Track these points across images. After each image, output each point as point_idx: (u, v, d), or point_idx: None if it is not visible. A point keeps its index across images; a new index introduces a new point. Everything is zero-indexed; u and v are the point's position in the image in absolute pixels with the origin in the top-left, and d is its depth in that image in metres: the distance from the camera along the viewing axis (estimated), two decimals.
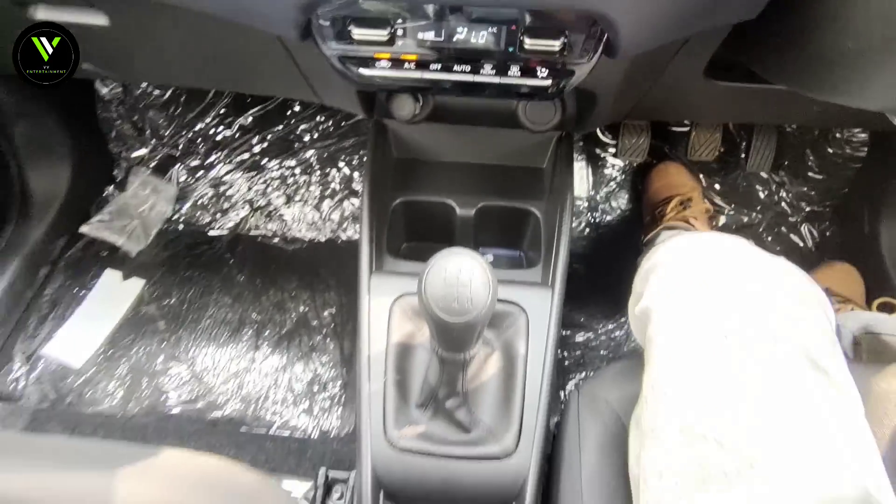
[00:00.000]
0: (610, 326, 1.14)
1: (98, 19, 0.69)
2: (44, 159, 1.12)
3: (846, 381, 0.46)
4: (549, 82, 0.55)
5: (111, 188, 1.25)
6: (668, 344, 0.49)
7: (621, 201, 1.30)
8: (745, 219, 1.27)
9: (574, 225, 1.27)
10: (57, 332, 1.09)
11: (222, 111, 1.27)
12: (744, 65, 0.66)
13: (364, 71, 0.57)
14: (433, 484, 0.59)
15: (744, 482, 0.41)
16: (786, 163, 1.26)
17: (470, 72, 0.56)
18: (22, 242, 1.10)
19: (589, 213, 1.28)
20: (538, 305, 0.66)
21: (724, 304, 0.48)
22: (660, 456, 0.45)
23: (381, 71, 0.56)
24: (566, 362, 1.12)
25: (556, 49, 0.52)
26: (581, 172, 1.29)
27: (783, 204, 1.27)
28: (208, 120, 1.27)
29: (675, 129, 1.27)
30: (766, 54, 0.59)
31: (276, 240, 1.24)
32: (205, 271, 1.18)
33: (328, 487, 0.77)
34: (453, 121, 0.81)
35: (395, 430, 0.61)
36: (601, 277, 1.20)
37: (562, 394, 1.05)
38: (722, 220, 1.27)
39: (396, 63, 0.55)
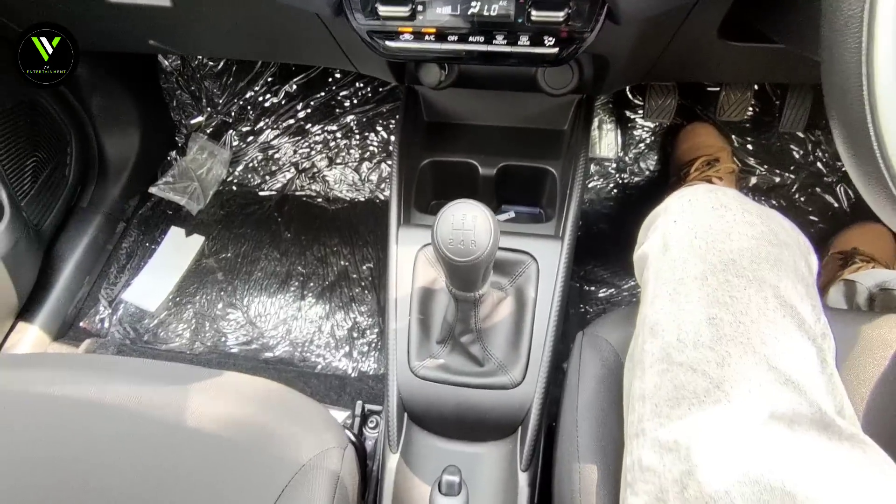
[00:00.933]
0: (632, 283, 1.19)
1: (162, 1, 0.78)
2: (116, 127, 1.25)
3: (816, 324, 0.50)
4: (556, 50, 0.60)
5: (173, 153, 1.38)
6: (657, 286, 0.55)
7: (650, 162, 1.32)
8: (778, 179, 1.27)
9: (601, 185, 1.31)
10: (133, 281, 1.25)
11: (269, 80, 1.37)
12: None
13: (390, 43, 0.63)
14: (449, 408, 0.68)
15: (711, 400, 0.47)
16: (823, 122, 1.24)
17: (484, 42, 0.61)
18: (102, 201, 1.24)
19: (617, 175, 1.32)
20: (548, 255, 0.73)
21: (709, 250, 0.53)
22: (644, 382, 0.52)
23: (405, 43, 0.63)
24: (588, 315, 1.18)
25: (561, 19, 0.57)
26: (610, 134, 1.32)
27: (818, 164, 1.26)
28: (257, 88, 1.37)
29: (706, 88, 1.27)
30: (770, 14, 0.62)
31: (319, 200, 1.34)
32: (256, 228, 1.30)
33: (364, 417, 0.88)
34: (477, 86, 0.87)
35: (418, 361, 0.70)
36: (626, 237, 1.24)
37: None
38: (753, 180, 1.27)
39: (418, 36, 0.62)
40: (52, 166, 1.12)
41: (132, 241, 1.29)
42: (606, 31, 0.60)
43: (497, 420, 0.68)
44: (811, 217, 1.24)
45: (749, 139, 1.28)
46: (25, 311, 1.08)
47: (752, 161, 1.27)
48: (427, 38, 0.62)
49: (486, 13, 0.59)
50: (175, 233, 1.30)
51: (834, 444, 0.44)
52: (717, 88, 1.22)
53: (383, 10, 0.59)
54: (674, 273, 0.53)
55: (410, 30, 0.61)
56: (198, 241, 1.29)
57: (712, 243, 0.52)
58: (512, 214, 0.96)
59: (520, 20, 0.58)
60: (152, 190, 1.32)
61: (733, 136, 1.27)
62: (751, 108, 1.26)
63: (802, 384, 0.46)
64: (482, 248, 0.50)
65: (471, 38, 0.61)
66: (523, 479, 0.66)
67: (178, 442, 0.59)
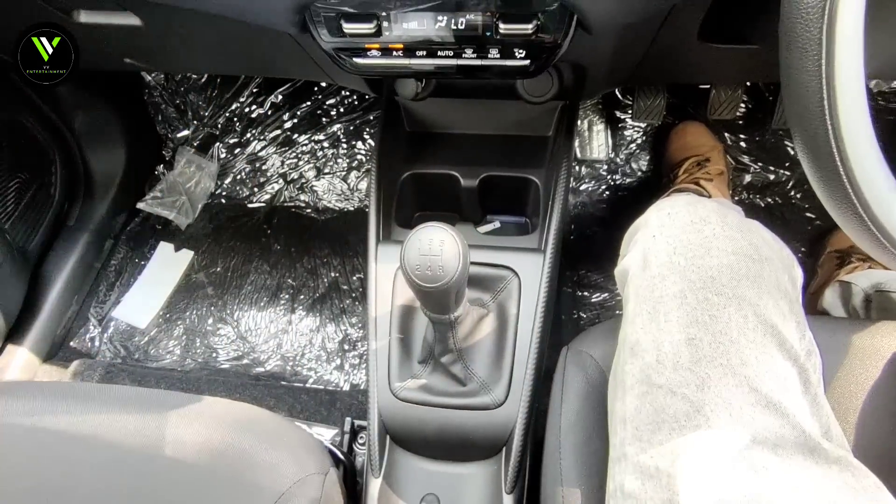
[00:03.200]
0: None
1: (132, 20, 0.77)
2: (101, 144, 1.24)
3: (800, 341, 0.49)
4: (527, 62, 0.59)
5: (161, 167, 1.37)
6: (637, 304, 0.53)
7: (642, 163, 1.30)
8: (773, 176, 1.24)
9: (593, 188, 1.29)
10: (123, 298, 1.24)
11: (255, 90, 1.36)
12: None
13: (358, 60, 0.62)
14: (432, 430, 0.67)
15: (691, 424, 0.45)
16: None
17: (453, 56, 0.60)
18: (89, 219, 1.24)
19: (609, 176, 1.30)
20: (530, 269, 0.71)
21: (689, 267, 0.51)
22: (625, 404, 0.51)
23: (373, 60, 0.61)
24: (581, 322, 1.17)
25: (530, 31, 0.55)
26: (600, 135, 1.30)
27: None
28: (242, 99, 1.36)
29: (697, 86, 1.25)
30: (747, 17, 0.60)
31: (308, 210, 1.33)
32: (245, 241, 1.29)
33: (354, 433, 0.87)
34: (456, 96, 0.85)
35: (399, 382, 0.68)
36: (620, 240, 1.22)
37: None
38: (747, 178, 1.25)
39: (386, 52, 0.60)
40: (37, 186, 1.12)
41: (121, 258, 1.28)
42: (580, 40, 0.58)
43: (481, 441, 0.67)
44: (808, 214, 1.22)
45: (742, 136, 1.25)
46: (14, 333, 1.08)
47: (745, 159, 1.25)
48: (395, 53, 0.60)
49: (453, 27, 0.57)
50: (164, 248, 1.29)
51: (821, 468, 0.42)
52: (708, 87, 1.20)
53: (348, 27, 0.58)
54: (653, 291, 0.52)
55: (377, 46, 0.60)
56: (187, 255, 1.28)
57: (692, 259, 0.51)
58: (497, 225, 0.94)
59: (488, 34, 0.57)
60: (140, 205, 1.31)
61: (726, 134, 1.25)
62: (742, 105, 1.24)
63: (785, 407, 0.45)
64: (450, 274, 0.49)
65: (440, 53, 0.60)
66: (508, 500, 0.65)
67: (156, 471, 0.59)
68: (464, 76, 0.63)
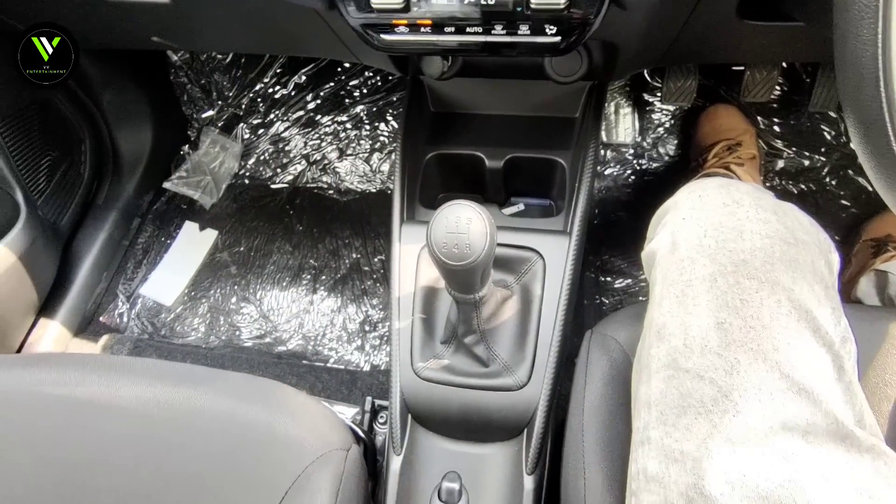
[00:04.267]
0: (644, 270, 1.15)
1: None
2: (129, 124, 1.26)
3: (834, 328, 0.47)
4: (558, 39, 0.57)
5: (186, 147, 1.39)
6: (664, 287, 0.52)
7: (669, 147, 1.27)
8: (807, 162, 1.21)
9: (619, 172, 1.26)
10: (150, 275, 1.26)
11: (278, 71, 1.36)
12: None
13: (385, 36, 0.61)
14: (453, 410, 0.67)
15: (718, 409, 0.44)
16: None
17: (482, 32, 0.58)
18: (117, 198, 1.26)
19: (635, 161, 1.27)
20: (556, 251, 0.70)
21: (719, 250, 0.50)
22: (650, 388, 0.50)
23: (401, 36, 0.60)
24: (603, 307, 1.16)
25: (562, 5, 0.54)
26: (627, 119, 1.27)
27: (851, 145, 1.19)
28: (266, 80, 1.36)
29: (730, 68, 1.21)
30: None
31: (330, 191, 1.34)
32: (268, 221, 1.30)
33: (374, 412, 0.88)
34: (483, 75, 0.84)
35: (421, 362, 0.69)
36: (644, 226, 1.20)
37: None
38: (780, 163, 1.21)
39: (413, 28, 0.59)
40: (67, 164, 1.14)
41: (148, 237, 1.31)
42: (613, 16, 0.57)
43: (502, 422, 0.67)
44: (843, 202, 1.18)
45: (776, 120, 1.21)
46: (46, 307, 1.11)
47: (779, 143, 1.21)
48: (423, 30, 0.59)
49: (483, 1, 0.56)
50: (189, 227, 1.31)
51: (853, 455, 0.41)
52: (742, 68, 1.16)
53: (376, 2, 0.57)
54: (682, 274, 0.51)
55: (405, 22, 0.59)
56: (211, 235, 1.30)
57: (723, 242, 0.49)
58: (521, 207, 0.93)
59: (519, 8, 0.55)
60: (166, 185, 1.33)
61: (759, 118, 1.21)
62: (778, 88, 1.19)
63: (818, 393, 0.44)
64: (477, 253, 0.48)
65: (468, 29, 0.58)
66: (529, 481, 0.65)
67: (184, 442, 0.60)
68: (492, 53, 0.61)
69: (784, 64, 1.18)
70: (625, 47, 0.70)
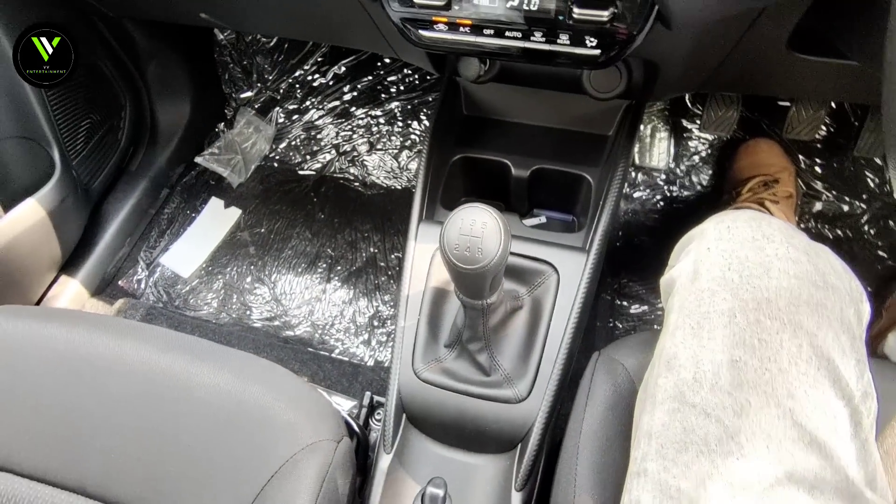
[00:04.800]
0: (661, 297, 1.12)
1: None
2: (169, 96, 1.28)
3: (857, 382, 0.45)
4: (597, 52, 0.56)
5: (221, 125, 1.41)
6: (680, 317, 0.50)
7: (703, 177, 1.24)
8: (846, 207, 1.16)
9: (648, 196, 1.24)
10: (172, 246, 1.29)
11: (319, 59, 1.37)
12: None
13: (424, 33, 0.61)
14: (449, 415, 0.66)
15: (722, 450, 0.43)
16: None
17: (521, 38, 0.58)
18: (149, 166, 1.29)
19: (666, 187, 1.24)
20: (571, 268, 0.69)
21: (742, 285, 0.48)
22: (653, 418, 0.48)
23: (439, 34, 0.60)
24: (616, 332, 1.13)
25: (605, 19, 0.53)
26: (662, 143, 1.25)
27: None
28: (307, 67, 1.38)
29: (776, 102, 1.18)
30: (845, 28, 0.55)
31: (356, 184, 1.34)
32: (291, 206, 1.31)
33: (372, 408, 0.88)
34: (519, 83, 0.83)
35: (422, 363, 0.68)
36: (668, 253, 1.17)
37: None
38: (818, 206, 1.17)
39: (453, 27, 0.59)
40: (106, 129, 1.17)
41: (174, 208, 1.33)
42: (657, 34, 0.55)
43: (497, 434, 0.66)
44: (880, 252, 1.13)
45: (818, 161, 1.18)
46: (69, 265, 1.14)
47: (818, 185, 1.17)
48: (462, 29, 0.59)
49: (525, 7, 0.55)
50: (214, 203, 1.33)
51: None
52: (788, 103, 1.13)
53: None
54: (700, 305, 0.49)
55: (445, 20, 0.59)
56: (235, 213, 1.31)
57: (747, 278, 0.47)
58: (543, 220, 0.92)
59: (560, 17, 0.54)
60: (198, 160, 1.35)
61: (801, 156, 1.17)
62: (823, 127, 1.16)
63: (830, 447, 0.41)
64: (489, 257, 0.47)
65: (508, 34, 0.58)
66: (517, 498, 0.63)
67: (182, 410, 0.60)
68: (530, 60, 0.61)
69: (832, 103, 1.14)
70: (666, 68, 0.68)
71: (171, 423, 0.60)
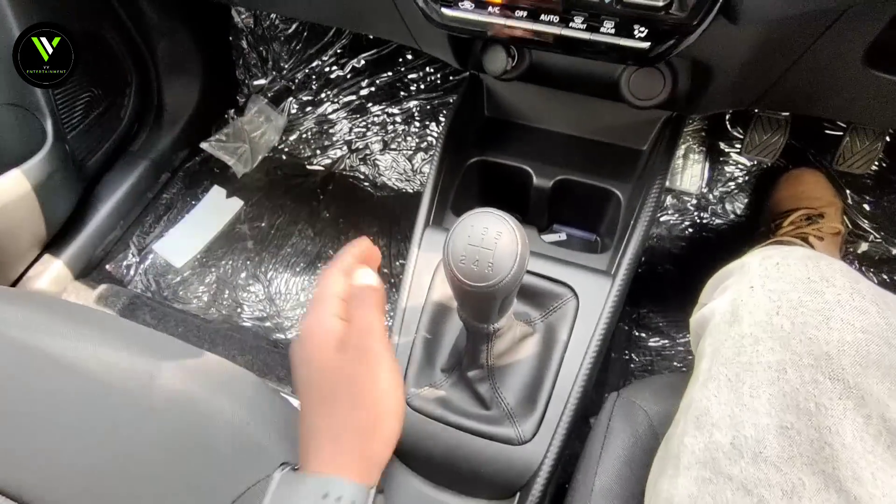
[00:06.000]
0: (690, 338, 1.03)
1: None
2: (179, 77, 1.23)
3: None
4: (646, 45, 0.48)
5: (231, 111, 1.35)
6: (714, 365, 0.42)
7: (738, 205, 1.14)
8: (895, 251, 1.06)
9: (675, 221, 1.15)
10: (167, 233, 1.22)
11: (338, 51, 1.31)
12: None
13: (447, 11, 0.53)
14: (440, 451, 0.57)
15: None
16: None
17: (559, 22, 0.50)
18: (151, 148, 1.22)
19: (696, 213, 1.15)
20: (594, 294, 0.60)
21: (795, 335, 0.39)
22: (675, 486, 0.40)
23: (464, 13, 0.53)
24: (631, 364, 1.04)
25: (661, 5, 0.45)
26: (696, 166, 1.16)
27: None
28: (325, 58, 1.32)
29: (825, 130, 1.08)
30: None
31: (365, 183, 1.27)
32: (296, 202, 1.24)
33: None
34: (549, 84, 0.75)
35: (414, 388, 0.59)
36: (693, 285, 1.08)
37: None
38: (863, 247, 1.07)
39: (480, 5, 0.51)
40: (107, 105, 1.11)
41: (173, 193, 1.27)
42: (717, 30, 0.47)
43: (494, 477, 0.57)
44: None
45: (868, 198, 1.08)
46: (53, 244, 1.07)
47: (866, 224, 1.07)
48: (490, 9, 0.51)
49: None
50: (216, 192, 1.27)
51: None
52: (840, 133, 1.03)
53: None
54: (739, 354, 0.40)
55: None
56: (236, 204, 1.25)
57: (801, 326, 0.39)
58: (563, 237, 0.84)
59: (608, 0, 0.46)
60: (203, 145, 1.29)
61: (848, 192, 1.08)
62: (877, 162, 1.06)
63: None
64: (500, 275, 0.39)
65: (543, 17, 0.50)
66: None
67: (135, 416, 0.53)
68: (566, 51, 0.53)
69: (888, 137, 1.04)
70: (720, 75, 0.60)
71: (125, 431, 0.53)
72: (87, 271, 1.12)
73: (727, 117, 1.14)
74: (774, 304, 0.40)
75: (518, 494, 0.57)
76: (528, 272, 0.62)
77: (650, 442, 0.51)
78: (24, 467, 0.52)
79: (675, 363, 1.03)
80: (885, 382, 0.36)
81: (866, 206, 1.07)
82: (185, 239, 1.21)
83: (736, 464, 0.37)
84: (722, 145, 1.15)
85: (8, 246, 0.96)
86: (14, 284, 1.02)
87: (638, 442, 0.52)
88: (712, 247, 1.12)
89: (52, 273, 1.05)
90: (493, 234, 0.39)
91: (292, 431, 0.56)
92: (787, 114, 1.00)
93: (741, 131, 1.13)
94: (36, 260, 1.04)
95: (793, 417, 0.37)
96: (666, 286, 1.10)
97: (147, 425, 0.53)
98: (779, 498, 0.35)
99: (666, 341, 1.05)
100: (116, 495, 0.50)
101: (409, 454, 0.59)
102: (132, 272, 1.18)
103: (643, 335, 1.06)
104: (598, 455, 0.51)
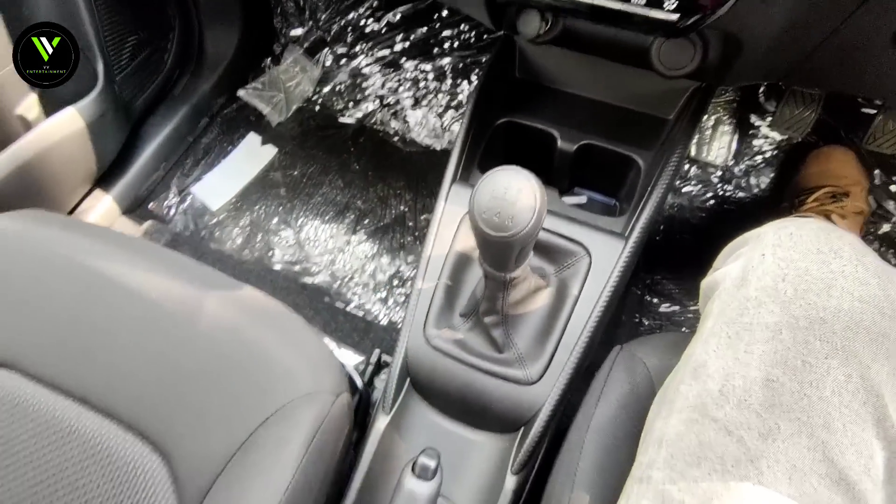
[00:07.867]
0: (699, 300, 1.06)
1: None
2: (219, 24, 1.26)
3: None
4: (675, 17, 0.50)
5: (268, 60, 1.38)
6: (717, 324, 0.46)
7: (763, 180, 1.15)
8: None
9: (698, 192, 1.16)
10: (205, 176, 1.28)
11: (374, 4, 1.31)
12: None
13: None
14: (454, 386, 0.63)
15: (738, 473, 0.39)
16: None
17: None
18: (192, 93, 1.27)
19: (720, 185, 1.16)
20: (606, 253, 0.64)
21: (796, 300, 0.43)
22: (667, 425, 0.44)
23: None
24: (641, 328, 1.08)
25: None
26: (724, 138, 1.16)
27: None
28: (361, 10, 1.33)
29: (860, 109, 1.07)
30: None
31: (395, 138, 1.30)
32: (327, 153, 1.28)
33: (378, 366, 0.86)
34: (580, 49, 0.76)
35: (434, 329, 0.65)
36: (710, 256, 1.10)
37: None
38: (886, 227, 1.08)
39: None
40: (152, 49, 1.15)
41: (212, 138, 1.32)
42: (748, 3, 0.49)
43: (501, 413, 0.63)
44: None
45: (895, 179, 1.07)
46: (102, 180, 1.14)
47: (890, 206, 1.07)
48: None
49: None
50: (251, 139, 1.31)
51: None
52: (874, 111, 1.02)
53: None
54: (742, 315, 0.44)
55: None
56: (270, 151, 1.30)
57: (803, 293, 0.42)
58: (583, 200, 0.87)
59: None
60: (240, 93, 1.33)
61: (877, 171, 1.07)
62: None
63: (859, 490, 0.37)
64: (519, 226, 0.43)
65: None
66: (511, 481, 0.60)
67: (185, 337, 0.60)
68: (597, 20, 0.55)
69: None
70: (750, 48, 0.61)
71: (175, 350, 0.59)
72: (133, 208, 1.20)
73: (761, 90, 1.13)
74: (782, 270, 0.43)
75: (522, 430, 0.63)
76: (546, 230, 0.66)
77: (646, 391, 0.56)
78: (89, 377, 0.59)
79: (683, 328, 1.07)
80: (871, 347, 0.40)
81: (893, 188, 1.07)
82: (222, 183, 1.27)
83: (721, 408, 0.41)
84: (753, 118, 1.15)
85: (63, 178, 1.03)
86: (69, 215, 1.10)
87: (634, 390, 0.57)
88: (733, 219, 1.14)
89: (102, 207, 1.13)
90: (515, 190, 0.43)
91: (318, 360, 0.62)
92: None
93: (774, 104, 1.12)
94: (87, 194, 1.12)
95: (779, 372, 0.40)
96: (682, 255, 1.12)
97: (194, 346, 0.60)
98: (755, 439, 0.39)
99: (677, 307, 1.09)
100: (167, 404, 0.58)
101: (427, 388, 0.66)
102: (172, 212, 1.25)
103: (655, 300, 1.09)
104: (597, 398, 0.56)
